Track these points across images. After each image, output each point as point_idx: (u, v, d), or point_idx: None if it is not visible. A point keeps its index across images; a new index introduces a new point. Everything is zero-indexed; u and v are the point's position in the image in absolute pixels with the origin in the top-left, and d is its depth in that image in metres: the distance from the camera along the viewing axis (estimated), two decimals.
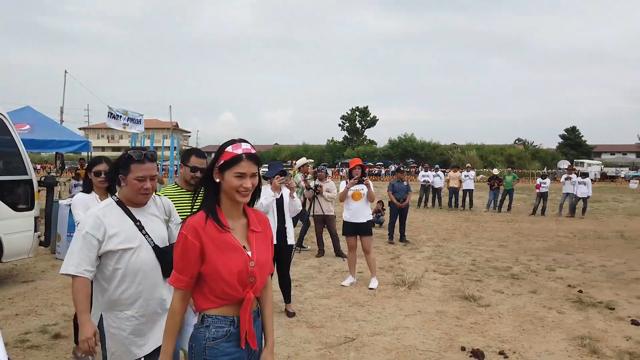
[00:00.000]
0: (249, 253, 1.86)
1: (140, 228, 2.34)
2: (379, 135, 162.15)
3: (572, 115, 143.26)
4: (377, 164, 51.57)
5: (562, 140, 63.98)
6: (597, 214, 16.09)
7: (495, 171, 17.92)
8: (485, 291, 6.18)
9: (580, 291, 6.19)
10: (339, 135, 68.53)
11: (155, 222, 2.43)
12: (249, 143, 1.89)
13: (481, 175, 35.63)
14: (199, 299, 1.86)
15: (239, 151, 1.83)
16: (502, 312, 5.33)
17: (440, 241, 10.13)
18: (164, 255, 2.36)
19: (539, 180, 16.10)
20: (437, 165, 19.23)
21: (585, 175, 16.00)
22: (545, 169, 30.38)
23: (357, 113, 66.01)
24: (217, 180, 1.85)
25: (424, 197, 17.42)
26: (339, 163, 54.11)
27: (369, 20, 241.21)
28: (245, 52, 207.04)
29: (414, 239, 10.33)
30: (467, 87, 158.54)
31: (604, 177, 46.62)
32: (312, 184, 8.48)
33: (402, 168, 12.40)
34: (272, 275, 2.49)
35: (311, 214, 8.52)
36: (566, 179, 15.67)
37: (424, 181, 17.24)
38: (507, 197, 16.71)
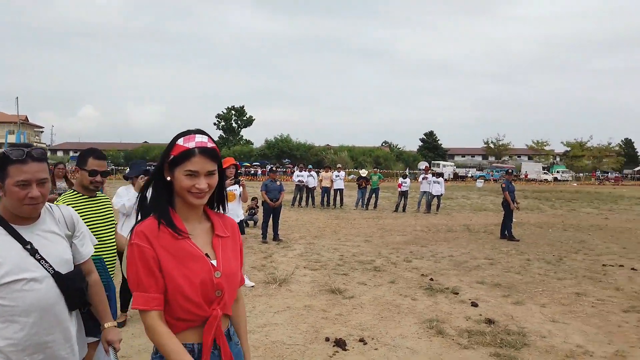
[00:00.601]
0: (214, 262, 1.58)
1: (33, 252, 1.80)
2: (256, 135, 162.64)
3: (430, 120, 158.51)
4: (254, 164, 51.53)
5: (422, 143, 70.31)
6: (449, 210, 18.00)
7: (363, 172, 19.06)
8: (350, 284, 6.57)
9: (431, 279, 6.89)
10: (215, 134, 67.02)
11: (53, 242, 1.90)
12: (206, 135, 1.62)
13: (352, 175, 37.62)
14: None
15: (191, 145, 1.55)
16: (364, 302, 5.72)
17: (312, 239, 10.49)
18: (69, 283, 1.87)
19: (400, 179, 17.52)
20: (310, 166, 19.85)
21: (439, 175, 17.78)
22: (407, 169, 33.15)
23: (233, 112, 65.24)
24: (168, 178, 1.59)
25: (299, 196, 17.90)
26: None
27: (244, 19, 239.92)
28: (110, 42, 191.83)
29: (287, 237, 10.55)
30: (339, 90, 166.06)
31: (456, 177, 52.29)
32: None
33: (274, 168, 12.58)
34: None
35: None
36: (423, 178, 17.28)
37: (299, 181, 17.71)
38: (374, 195, 17.90)
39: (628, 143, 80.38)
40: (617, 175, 58.97)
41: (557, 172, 56.66)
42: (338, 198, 17.92)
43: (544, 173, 55.73)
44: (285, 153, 57.43)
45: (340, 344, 4.31)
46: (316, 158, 55.31)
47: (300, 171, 18.17)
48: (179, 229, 1.55)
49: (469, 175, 53.89)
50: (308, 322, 4.97)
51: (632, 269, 7.88)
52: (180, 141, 1.58)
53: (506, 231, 11.07)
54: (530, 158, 73.96)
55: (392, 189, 28.96)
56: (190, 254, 1.55)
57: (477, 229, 12.75)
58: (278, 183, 10.37)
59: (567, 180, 53.27)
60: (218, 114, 65.15)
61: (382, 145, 70.35)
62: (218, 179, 1.63)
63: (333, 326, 4.87)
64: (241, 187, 6.36)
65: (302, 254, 8.75)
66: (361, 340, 4.45)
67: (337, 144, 63.12)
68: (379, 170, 35.93)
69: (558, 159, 73.26)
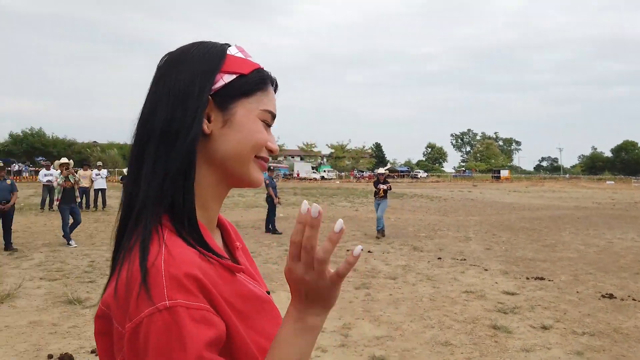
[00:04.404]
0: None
1: None
2: None
3: None
4: None
5: None
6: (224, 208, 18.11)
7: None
8: (96, 291, 5.88)
9: None
10: None
11: None
12: None
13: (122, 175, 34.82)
14: None
15: (256, 62, 0.79)
16: None
17: (58, 246, 9.14)
18: None
19: None
20: None
21: None
22: None
23: None
24: (208, 130, 0.73)
25: (48, 198, 15.57)
26: None
27: None
28: None
29: (27, 245, 9.00)
30: (106, 83, 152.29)
31: None
32: None
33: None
34: None
35: None
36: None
37: (47, 181, 15.40)
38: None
39: (378, 147, 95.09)
40: (370, 173, 68.95)
41: (324, 171, 63.23)
42: (100, 199, 16.23)
43: (313, 172, 61.50)
44: (37, 150, 49.78)
45: (65, 359, 3.75)
46: (79, 156, 49.64)
47: (48, 169, 15.83)
48: (227, 258, 0.74)
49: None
50: (30, 341, 4.22)
51: (369, 251, 9.14)
52: (232, 50, 0.77)
53: (270, 225, 11.63)
54: (302, 158, 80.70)
55: None
56: (259, 300, 0.77)
57: (245, 224, 13.08)
58: (8, 182, 8.72)
59: (332, 179, 59.89)
60: None
61: None
62: None
63: (62, 341, 4.24)
64: None
65: (42, 263, 7.52)
66: (93, 351, 3.97)
67: (106, 140, 57.92)
68: None
69: (325, 159, 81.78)
